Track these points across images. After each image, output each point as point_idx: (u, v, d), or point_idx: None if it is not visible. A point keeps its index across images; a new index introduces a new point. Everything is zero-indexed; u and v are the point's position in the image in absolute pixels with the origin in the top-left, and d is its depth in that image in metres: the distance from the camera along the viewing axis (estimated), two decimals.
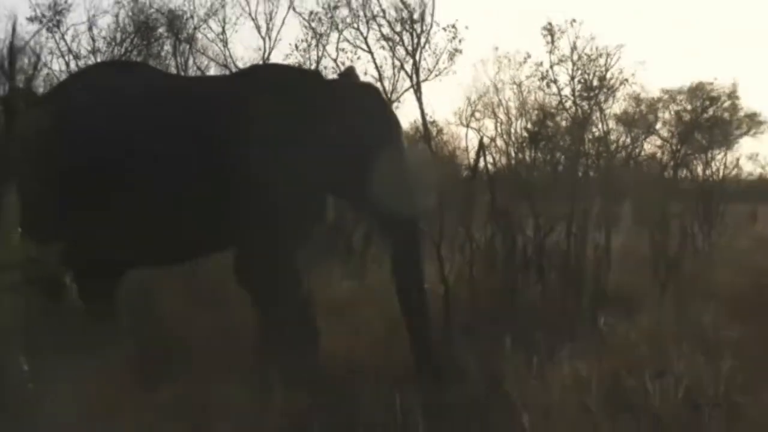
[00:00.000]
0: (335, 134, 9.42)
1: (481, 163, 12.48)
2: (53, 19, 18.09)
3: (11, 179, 9.10)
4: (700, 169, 23.03)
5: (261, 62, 18.57)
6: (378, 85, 16.75)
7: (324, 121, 9.45)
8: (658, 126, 20.21)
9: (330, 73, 17.26)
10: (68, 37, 18.72)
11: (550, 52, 14.85)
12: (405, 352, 9.84)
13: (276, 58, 18.74)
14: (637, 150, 17.14)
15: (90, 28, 18.65)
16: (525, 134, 14.06)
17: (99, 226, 9.25)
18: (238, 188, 9.25)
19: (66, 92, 10.26)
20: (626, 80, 15.39)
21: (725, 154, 23.71)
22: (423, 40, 16.96)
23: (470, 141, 16.08)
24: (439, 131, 17.27)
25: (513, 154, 15.64)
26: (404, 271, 9.65)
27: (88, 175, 9.32)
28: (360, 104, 9.84)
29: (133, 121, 9.49)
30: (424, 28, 16.90)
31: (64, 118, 9.49)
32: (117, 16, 18.64)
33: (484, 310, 11.03)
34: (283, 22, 19.37)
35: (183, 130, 9.48)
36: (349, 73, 10.31)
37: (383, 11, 17.21)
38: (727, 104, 23.04)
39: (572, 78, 14.61)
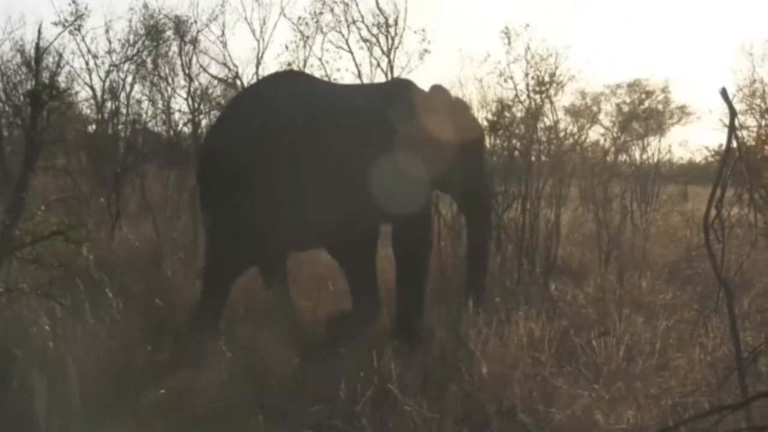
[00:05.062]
0: (455, 138, 9.91)
1: None
2: (74, 23, 18.29)
3: None
4: (637, 154, 23.17)
5: (256, 61, 18.78)
6: (357, 81, 16.90)
7: (450, 129, 9.86)
8: (601, 116, 20.23)
9: (316, 71, 17.49)
10: (88, 39, 19.09)
11: (507, 52, 14.94)
12: (381, 316, 9.93)
13: (269, 57, 18.90)
14: (582, 137, 17.17)
15: (107, 31, 19.00)
16: (486, 123, 14.11)
17: (301, 215, 9.22)
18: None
19: (252, 98, 10.13)
20: (573, 77, 15.44)
21: (659, 141, 23.87)
22: (397, 41, 17.08)
23: None
24: None
25: None
26: (479, 237, 10.68)
27: (284, 173, 9.21)
28: (469, 116, 10.81)
29: (320, 128, 9.43)
30: (398, 31, 17.02)
31: (256, 125, 9.41)
32: (130, 20, 18.91)
33: (450, 278, 11.10)
34: (274, 26, 19.66)
35: (360, 136, 9.50)
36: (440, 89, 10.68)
37: (362, 17, 17.32)
38: (660, 97, 23.13)
39: (526, 74, 14.62)
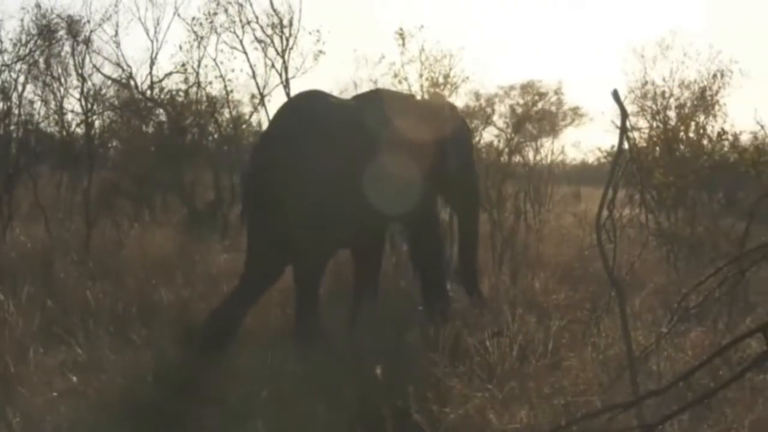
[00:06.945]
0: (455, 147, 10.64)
1: None
2: None
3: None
4: (531, 155, 23.44)
5: (150, 61, 18.71)
6: (251, 81, 16.92)
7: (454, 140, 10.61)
8: (495, 118, 20.43)
9: (210, 71, 17.49)
10: None
11: (402, 53, 15.00)
12: (277, 314, 9.86)
13: (162, 58, 18.86)
14: (476, 138, 17.27)
15: None
16: None
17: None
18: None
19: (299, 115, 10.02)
20: (467, 78, 15.58)
21: (552, 142, 24.25)
22: (291, 42, 17.10)
23: None
24: None
25: None
26: (470, 232, 11.22)
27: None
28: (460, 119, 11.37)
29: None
30: (293, 32, 17.03)
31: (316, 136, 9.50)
32: (22, 20, 18.58)
33: (344, 281, 11.07)
34: (168, 27, 19.53)
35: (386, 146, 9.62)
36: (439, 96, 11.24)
37: (257, 17, 17.34)
38: (553, 99, 23.52)
39: (421, 76, 14.76)
